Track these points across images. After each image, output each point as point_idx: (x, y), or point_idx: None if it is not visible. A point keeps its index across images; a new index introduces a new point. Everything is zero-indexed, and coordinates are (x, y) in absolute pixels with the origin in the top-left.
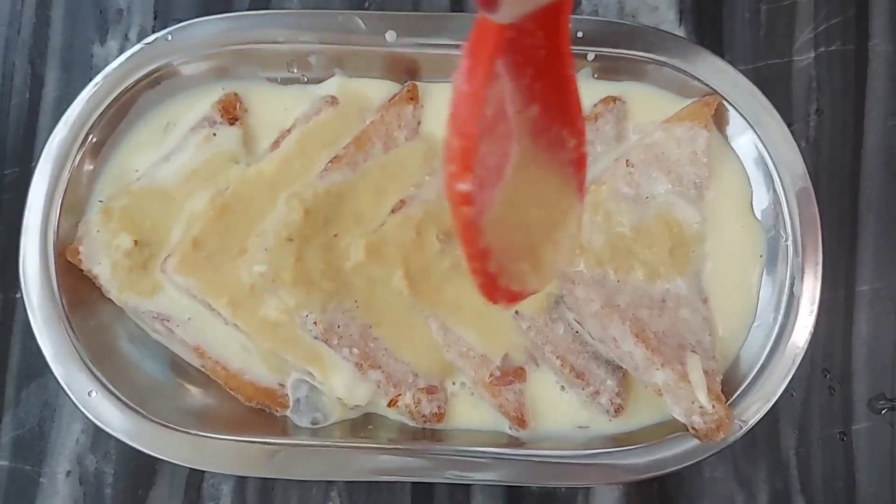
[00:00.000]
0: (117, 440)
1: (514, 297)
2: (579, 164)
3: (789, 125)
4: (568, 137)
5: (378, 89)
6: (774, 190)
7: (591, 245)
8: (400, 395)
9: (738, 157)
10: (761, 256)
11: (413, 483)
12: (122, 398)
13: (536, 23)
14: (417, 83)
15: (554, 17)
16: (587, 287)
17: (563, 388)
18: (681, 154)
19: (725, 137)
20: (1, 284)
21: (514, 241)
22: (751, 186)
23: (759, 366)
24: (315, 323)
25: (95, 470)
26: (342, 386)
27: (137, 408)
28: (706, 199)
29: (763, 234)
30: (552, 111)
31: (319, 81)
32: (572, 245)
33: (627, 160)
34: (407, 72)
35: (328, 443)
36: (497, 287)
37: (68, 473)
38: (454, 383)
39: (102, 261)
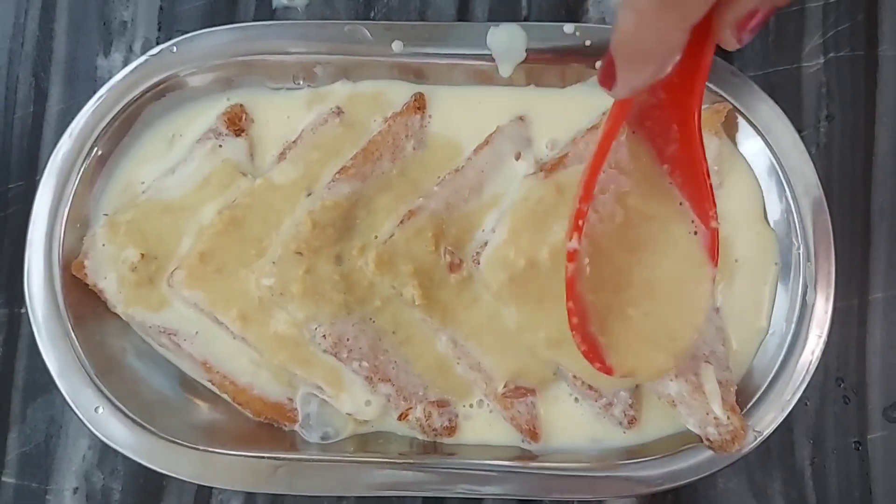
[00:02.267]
0: (124, 456)
1: (609, 370)
2: (711, 237)
3: (799, 131)
4: (699, 205)
5: (387, 87)
6: (786, 198)
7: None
8: (410, 408)
9: (748, 164)
10: (776, 264)
11: (424, 497)
12: (129, 414)
13: (667, 94)
14: (425, 89)
15: (683, 89)
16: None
17: (576, 400)
18: None
19: (735, 145)
20: (6, 299)
21: (625, 309)
22: (762, 194)
23: (772, 375)
24: (324, 336)
25: (103, 487)
26: (352, 400)
27: (145, 423)
28: (718, 208)
29: (777, 242)
30: (683, 174)
31: None
32: (696, 326)
33: None
34: (414, 80)
35: (338, 457)
36: (596, 350)
37: (75, 490)
38: (471, 405)
39: (108, 275)
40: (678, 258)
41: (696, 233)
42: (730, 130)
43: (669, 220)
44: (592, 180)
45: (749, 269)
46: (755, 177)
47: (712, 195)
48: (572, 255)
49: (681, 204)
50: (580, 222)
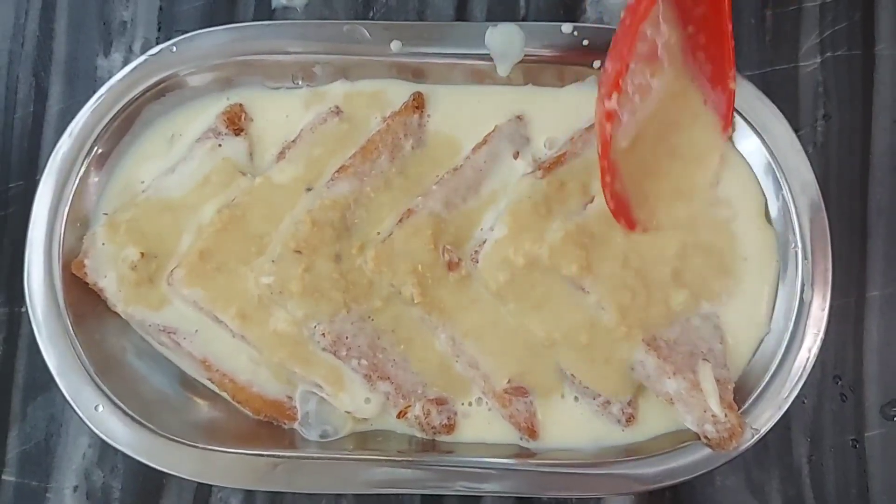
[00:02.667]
0: (124, 455)
1: (633, 224)
2: (727, 99)
3: (797, 131)
4: (718, 66)
5: (386, 87)
6: (783, 196)
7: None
8: (409, 406)
9: (747, 162)
10: (776, 262)
11: (422, 495)
12: (129, 412)
13: None
14: (424, 89)
15: None
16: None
17: (575, 398)
18: None
19: (733, 143)
20: (6, 298)
21: (650, 168)
22: (762, 191)
23: (770, 373)
24: (323, 334)
25: (103, 485)
26: (351, 398)
27: (144, 422)
28: (717, 205)
29: (777, 239)
30: (707, 34)
31: None
32: (707, 183)
33: None
34: (413, 79)
35: (337, 455)
36: (623, 207)
37: (75, 488)
38: (470, 403)
39: (108, 274)
40: (695, 126)
41: (706, 102)
42: None
43: (689, 92)
44: (633, 41)
45: (749, 266)
46: (754, 175)
47: (733, 55)
48: (611, 115)
49: (692, 80)
50: (620, 81)
